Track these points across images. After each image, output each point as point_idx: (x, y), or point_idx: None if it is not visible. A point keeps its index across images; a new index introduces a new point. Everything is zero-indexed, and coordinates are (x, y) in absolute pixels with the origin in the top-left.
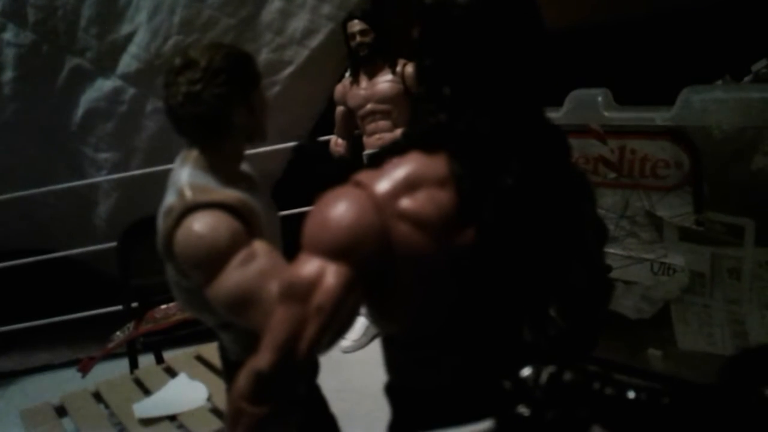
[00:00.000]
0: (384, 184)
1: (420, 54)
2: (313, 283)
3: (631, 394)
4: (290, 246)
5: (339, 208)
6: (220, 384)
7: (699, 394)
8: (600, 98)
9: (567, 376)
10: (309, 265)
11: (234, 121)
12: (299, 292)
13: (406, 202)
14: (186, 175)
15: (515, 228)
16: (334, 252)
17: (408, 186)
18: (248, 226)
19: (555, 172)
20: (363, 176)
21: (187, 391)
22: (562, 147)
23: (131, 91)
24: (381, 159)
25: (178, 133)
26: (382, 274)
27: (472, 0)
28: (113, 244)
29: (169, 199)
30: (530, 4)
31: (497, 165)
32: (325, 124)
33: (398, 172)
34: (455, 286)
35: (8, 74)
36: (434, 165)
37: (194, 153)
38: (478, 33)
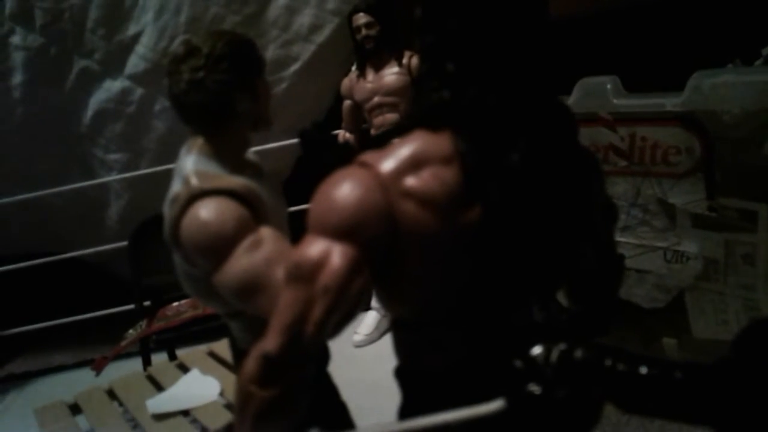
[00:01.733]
0: (388, 163)
1: (422, 31)
2: (319, 263)
3: (644, 370)
4: (299, 240)
5: (344, 188)
6: (232, 379)
7: (712, 369)
8: (609, 86)
9: (578, 353)
10: (315, 246)
11: (238, 108)
12: (305, 273)
13: (411, 181)
14: (191, 163)
15: (522, 205)
16: (339, 232)
17: (413, 164)
18: (254, 212)
19: (562, 150)
20: (367, 156)
21: (199, 386)
22: (570, 125)
23: (139, 91)
24: (385, 140)
25: (183, 121)
26: (388, 254)
27: None
28: (124, 243)
29: (175, 187)
30: None
31: (503, 142)
32: (333, 118)
33: (402, 151)
34: (462, 265)
35: (17, 78)
36: (439, 143)
37: (199, 141)
38: (480, 7)
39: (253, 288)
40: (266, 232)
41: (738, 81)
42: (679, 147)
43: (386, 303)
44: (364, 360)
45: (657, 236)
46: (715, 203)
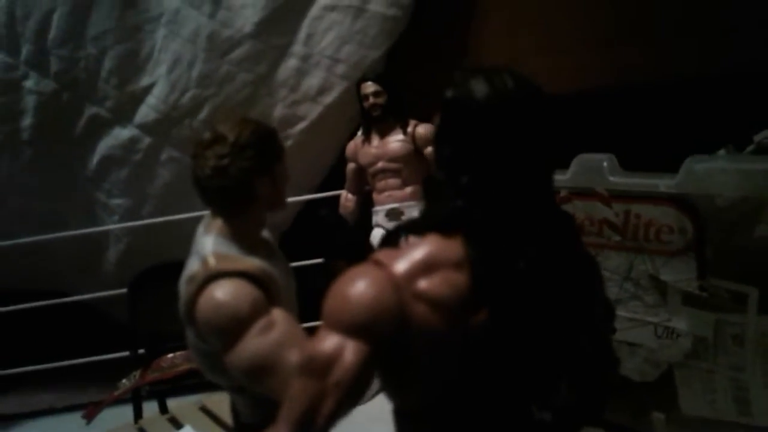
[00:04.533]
0: (402, 264)
1: (439, 142)
2: (333, 358)
3: None
4: (299, 298)
5: (359, 287)
6: None
7: None
8: (605, 163)
9: None
10: (329, 341)
11: (258, 192)
12: (319, 367)
13: (423, 283)
14: (210, 244)
15: (527, 310)
16: (353, 329)
17: (425, 268)
18: (268, 293)
19: (565, 254)
20: (382, 255)
21: None
22: (571, 229)
23: (147, 140)
24: (398, 236)
25: (204, 202)
26: (396, 348)
27: (489, 95)
28: (123, 290)
29: (193, 266)
30: (542, 100)
31: (511, 250)
32: (336, 178)
33: (416, 253)
34: (466, 362)
35: (27, 120)
36: (451, 248)
37: (218, 222)
38: (494, 126)
39: (263, 370)
40: (279, 315)
41: (730, 167)
42: (672, 226)
43: (390, 391)
44: (355, 419)
45: (648, 311)
46: (706, 283)
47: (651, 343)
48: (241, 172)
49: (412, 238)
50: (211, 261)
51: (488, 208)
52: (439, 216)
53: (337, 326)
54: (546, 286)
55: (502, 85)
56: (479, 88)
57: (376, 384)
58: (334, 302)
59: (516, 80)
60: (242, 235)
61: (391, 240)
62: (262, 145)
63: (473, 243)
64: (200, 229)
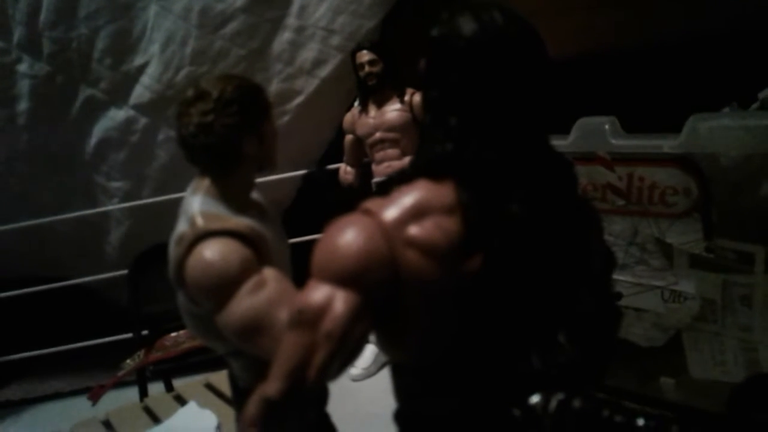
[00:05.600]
0: (392, 211)
1: (426, 84)
2: (322, 309)
3: (641, 422)
4: (300, 273)
5: (348, 235)
6: (229, 412)
7: (709, 423)
8: (607, 126)
9: (576, 403)
10: (318, 292)
11: (245, 151)
12: (308, 319)
13: (413, 230)
14: (197, 203)
15: (522, 255)
16: (342, 279)
17: (416, 213)
18: (258, 253)
19: (561, 200)
20: (371, 204)
21: (196, 419)
22: (569, 175)
23: (143, 120)
24: (389, 187)
25: (190, 162)
26: (389, 300)
27: (477, 32)
28: (124, 272)
29: (181, 227)
30: (534, 36)
31: (504, 193)
32: (335, 152)
33: (406, 199)
34: (462, 312)
35: (23, 105)
36: (441, 193)
37: (206, 182)
38: (483, 65)
39: (255, 329)
40: (270, 274)
41: (734, 124)
42: (676, 188)
43: (386, 347)
44: (361, 394)
45: (654, 275)
46: (713, 244)
47: (658, 308)
48: (226, 129)
49: (402, 187)
50: (199, 221)
51: (479, 151)
52: (428, 160)
53: (326, 277)
54: (541, 232)
55: (491, 21)
56: (466, 25)
57: (382, 357)
58: (321, 252)
59: (506, 16)
60: (231, 195)
61: (383, 190)
62: (247, 101)
63: (464, 187)
64: (188, 190)
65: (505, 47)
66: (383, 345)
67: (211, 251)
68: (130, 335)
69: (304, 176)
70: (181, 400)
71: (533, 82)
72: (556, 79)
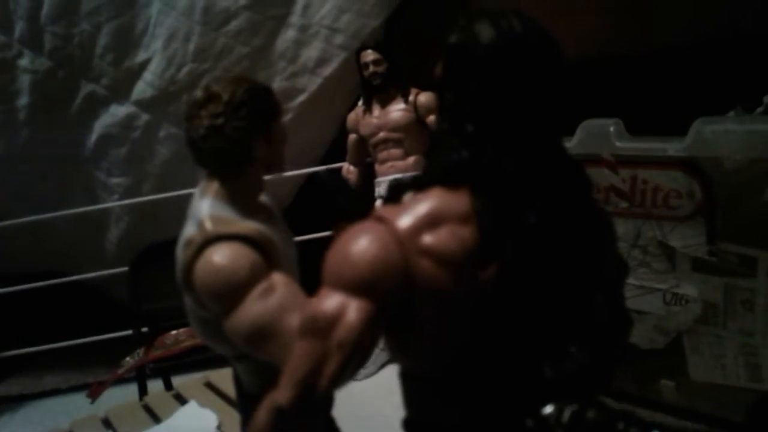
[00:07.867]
0: (406, 219)
1: (442, 90)
2: (335, 318)
3: None
4: (303, 272)
5: (361, 244)
6: (229, 412)
7: None
8: (612, 128)
9: (590, 414)
10: (331, 300)
11: (254, 153)
12: (321, 328)
13: (428, 238)
14: (207, 207)
15: (537, 265)
16: (356, 287)
17: (430, 222)
18: (267, 257)
19: (577, 208)
20: (385, 211)
21: (196, 419)
22: (584, 182)
23: (145, 117)
24: (402, 192)
25: (199, 164)
26: (403, 308)
27: (495, 39)
28: (125, 269)
29: (189, 230)
30: (552, 43)
31: (520, 202)
32: (337, 151)
33: (420, 207)
34: (476, 321)
35: (24, 100)
36: (456, 201)
37: (215, 185)
38: (501, 72)
39: (264, 335)
40: (278, 279)
41: (739, 129)
42: (680, 191)
43: (397, 354)
44: (361, 394)
45: (657, 278)
46: (716, 248)
47: (660, 311)
48: (236, 132)
49: (416, 194)
50: (208, 224)
51: (496, 158)
52: (443, 167)
53: (339, 285)
54: (557, 241)
55: (509, 28)
56: (484, 31)
57: (382, 357)
58: (335, 260)
59: (523, 23)
60: (239, 198)
61: (394, 196)
62: (258, 104)
63: (479, 195)
64: (196, 192)
65: (524, 54)
66: (394, 352)
67: (220, 255)
68: (129, 332)
69: (312, 176)
70: (181, 399)
71: (551, 89)
72: (572, 86)
